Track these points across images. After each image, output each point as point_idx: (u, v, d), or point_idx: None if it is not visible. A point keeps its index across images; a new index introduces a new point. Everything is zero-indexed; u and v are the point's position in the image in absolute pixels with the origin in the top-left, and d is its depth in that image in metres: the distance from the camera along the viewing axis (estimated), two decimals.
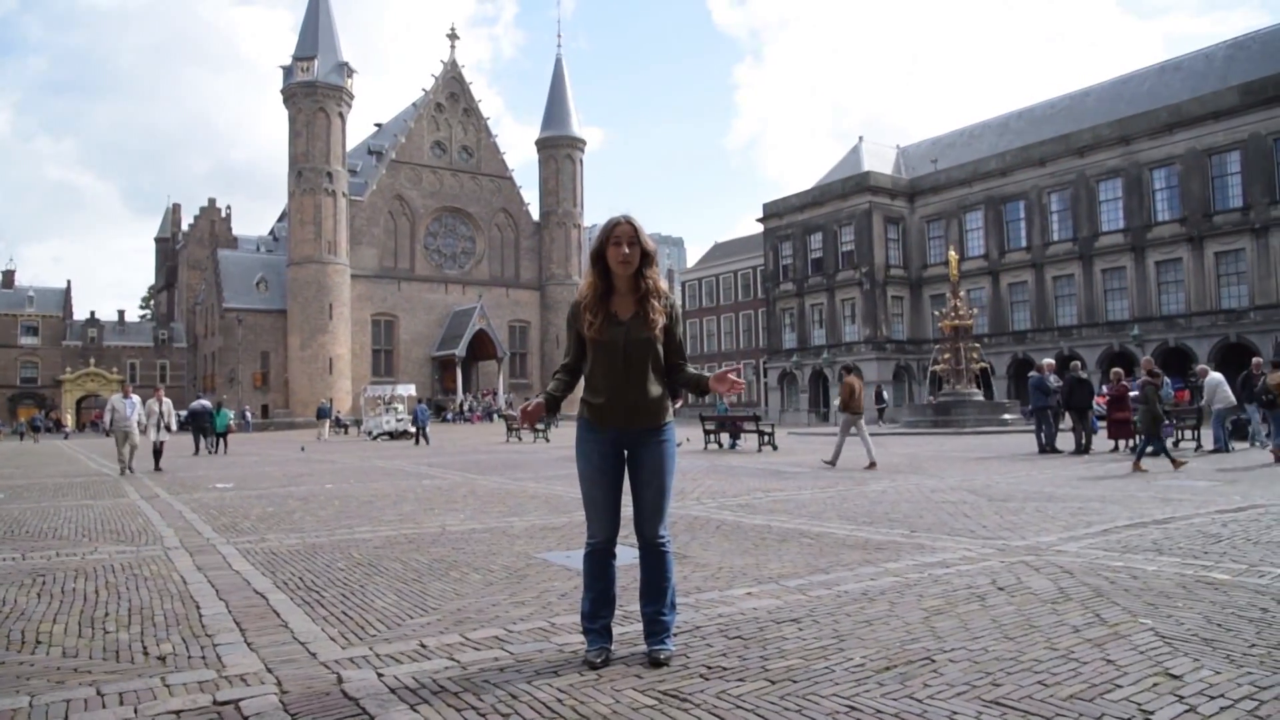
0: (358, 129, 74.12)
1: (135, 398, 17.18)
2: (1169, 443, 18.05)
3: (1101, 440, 18.44)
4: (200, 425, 26.35)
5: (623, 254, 3.66)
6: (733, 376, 3.66)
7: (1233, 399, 17.30)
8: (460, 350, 61.69)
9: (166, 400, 18.75)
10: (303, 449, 27.81)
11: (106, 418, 16.83)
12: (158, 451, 17.88)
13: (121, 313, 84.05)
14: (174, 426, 18.87)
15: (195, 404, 28.74)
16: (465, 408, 59.93)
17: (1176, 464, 12.83)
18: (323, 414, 41.75)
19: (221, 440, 26.58)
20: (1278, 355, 36.50)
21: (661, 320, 3.71)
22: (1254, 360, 15.94)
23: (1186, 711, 3.01)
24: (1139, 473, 12.30)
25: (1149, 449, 13.46)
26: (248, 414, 55.53)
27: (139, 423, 16.87)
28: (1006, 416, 30.59)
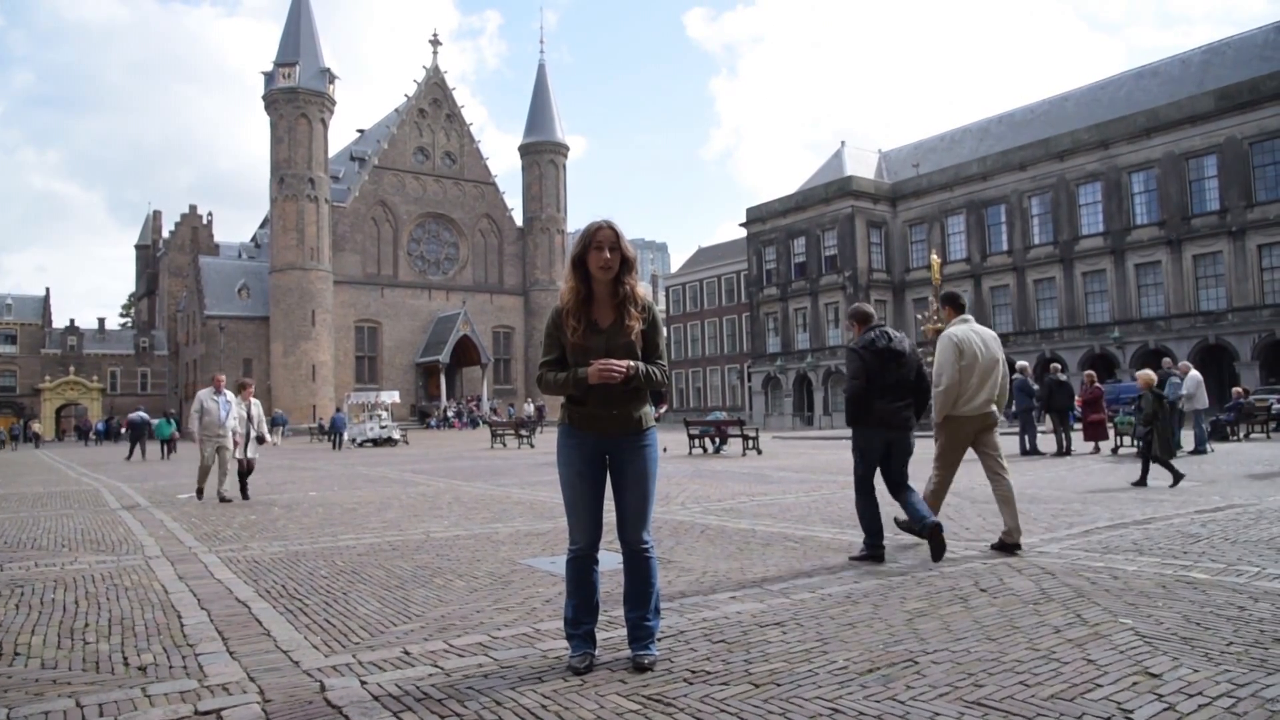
0: (340, 135, 74.02)
1: (229, 395, 12.49)
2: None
3: (1081, 441, 18.55)
4: (138, 435, 30.09)
5: (604, 259, 3.65)
6: (612, 365, 3.57)
7: (1206, 400, 17.41)
8: (444, 356, 61.47)
9: (256, 401, 13.04)
10: None
11: (194, 422, 12.23)
12: (247, 471, 12.56)
13: (101, 320, 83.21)
14: (268, 436, 13.60)
15: (133, 415, 32.10)
16: (449, 414, 59.74)
17: None
18: (277, 423, 43.11)
19: (165, 446, 30.36)
20: (1256, 356, 36.99)
21: (639, 326, 3.71)
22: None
23: (1166, 710, 3.04)
24: None
25: None
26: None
27: (235, 430, 12.25)
28: None
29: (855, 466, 6.28)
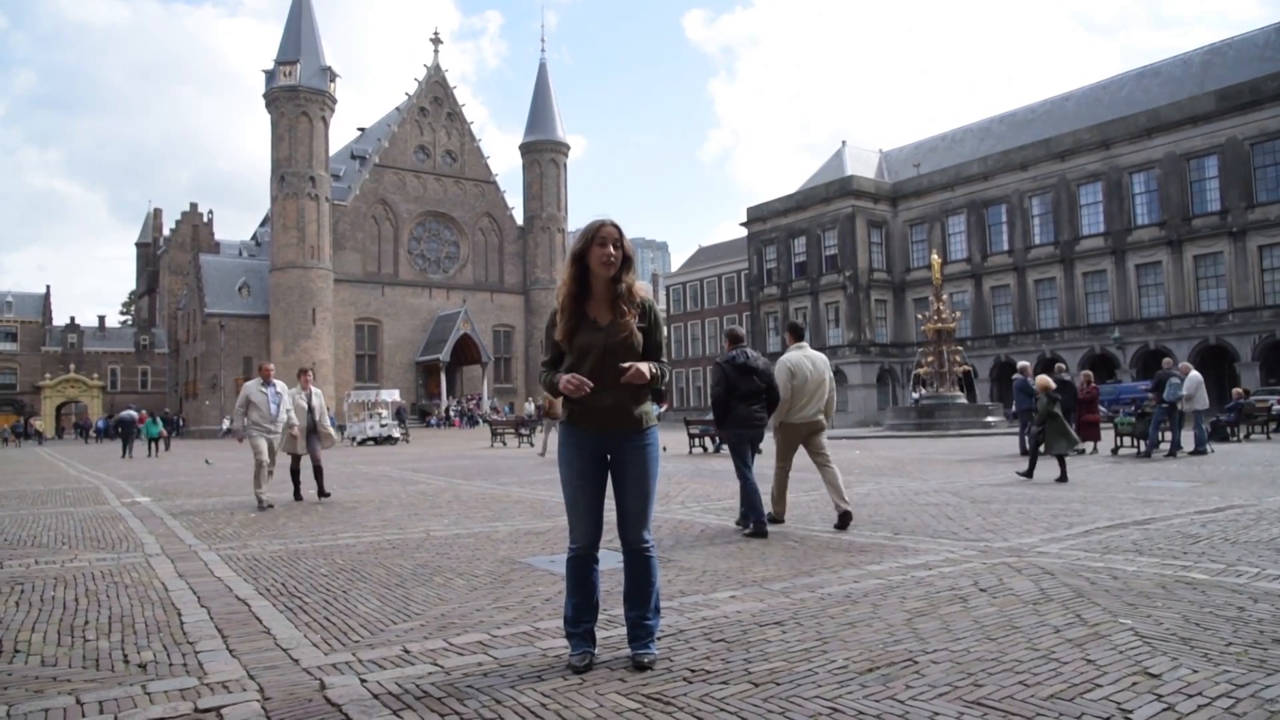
0: (340, 133, 73.91)
1: (280, 385, 11.29)
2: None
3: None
4: (127, 433, 30.55)
5: (608, 254, 3.65)
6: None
7: (1206, 401, 17.37)
8: (444, 355, 61.46)
9: (316, 390, 11.90)
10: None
11: (240, 417, 11.02)
12: (318, 467, 11.69)
13: (102, 318, 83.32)
14: (332, 432, 12.30)
15: (123, 414, 32.98)
16: (449, 412, 59.75)
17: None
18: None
19: (154, 445, 31.59)
20: (1256, 356, 36.99)
21: (637, 323, 3.72)
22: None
23: (1165, 710, 3.04)
24: None
25: None
26: (229, 421, 55.22)
27: (287, 424, 11.18)
28: (989, 419, 30.76)
29: (733, 460, 7.85)
